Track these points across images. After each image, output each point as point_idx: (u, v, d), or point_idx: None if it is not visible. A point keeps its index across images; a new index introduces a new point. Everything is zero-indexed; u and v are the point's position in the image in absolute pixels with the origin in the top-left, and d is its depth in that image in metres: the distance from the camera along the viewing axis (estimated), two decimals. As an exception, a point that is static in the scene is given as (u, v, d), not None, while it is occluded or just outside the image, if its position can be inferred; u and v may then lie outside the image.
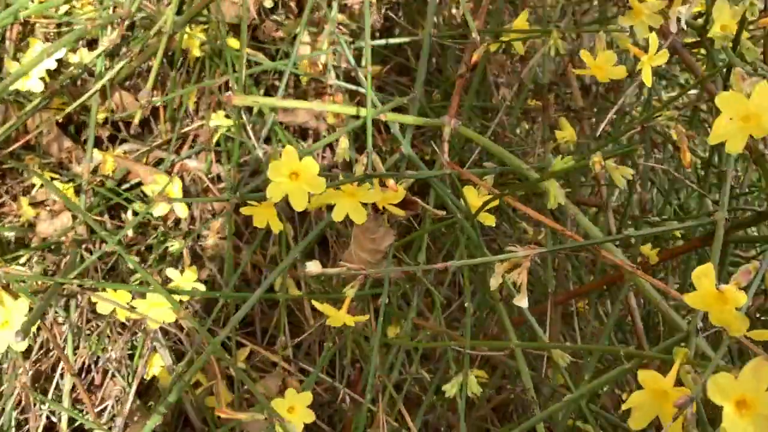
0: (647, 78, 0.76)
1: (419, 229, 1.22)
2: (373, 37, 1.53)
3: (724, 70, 0.76)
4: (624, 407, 0.50)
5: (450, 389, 0.88)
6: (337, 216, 0.79)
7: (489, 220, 0.92)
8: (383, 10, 1.69)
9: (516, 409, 1.40)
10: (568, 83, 1.17)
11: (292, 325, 1.39)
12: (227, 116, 1.32)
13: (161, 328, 1.24)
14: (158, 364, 1.26)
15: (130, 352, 1.34)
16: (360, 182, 0.79)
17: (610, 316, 1.00)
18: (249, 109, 1.21)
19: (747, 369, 0.43)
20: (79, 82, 1.33)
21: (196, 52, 1.33)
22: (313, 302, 0.78)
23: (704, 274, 0.48)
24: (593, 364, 1.01)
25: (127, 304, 1.00)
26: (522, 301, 0.71)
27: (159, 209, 1.06)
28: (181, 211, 1.11)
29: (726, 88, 0.76)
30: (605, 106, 1.19)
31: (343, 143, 0.81)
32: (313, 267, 0.66)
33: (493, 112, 1.32)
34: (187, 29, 1.31)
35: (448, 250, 1.24)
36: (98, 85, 1.18)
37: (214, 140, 1.32)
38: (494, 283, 0.73)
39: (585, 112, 1.16)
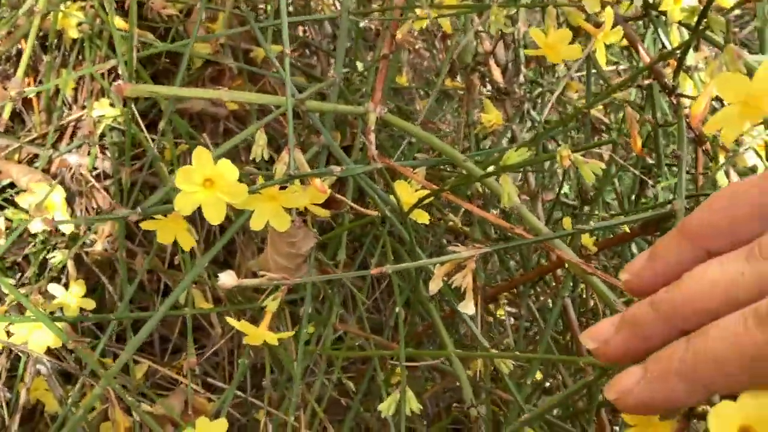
0: (602, 58, 0.69)
1: (336, 226, 1.12)
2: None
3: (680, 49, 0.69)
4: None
5: (386, 408, 0.78)
6: (255, 224, 0.68)
7: (422, 218, 0.83)
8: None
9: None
10: (491, 63, 1.09)
11: (196, 330, 1.27)
12: (112, 105, 1.17)
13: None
14: (42, 387, 1.11)
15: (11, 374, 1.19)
16: (282, 185, 0.68)
17: (551, 316, 0.93)
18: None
19: (746, 395, 0.34)
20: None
21: (73, 33, 1.17)
22: (228, 320, 0.66)
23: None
24: (536, 368, 0.94)
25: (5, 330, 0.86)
26: (468, 307, 0.62)
27: (36, 225, 0.92)
28: (66, 228, 0.96)
29: (680, 68, 0.69)
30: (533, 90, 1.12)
31: (261, 139, 0.69)
32: (227, 279, 0.54)
33: (408, 95, 1.23)
34: (62, 7, 1.14)
35: (368, 247, 1.14)
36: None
37: (98, 132, 1.17)
38: (434, 287, 0.63)
39: (509, 94, 1.09)
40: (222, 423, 0.84)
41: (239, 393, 1.04)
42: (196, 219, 1.23)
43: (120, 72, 0.92)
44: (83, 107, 1.21)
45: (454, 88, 1.19)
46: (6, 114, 1.00)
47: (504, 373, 0.84)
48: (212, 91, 0.72)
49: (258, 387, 1.25)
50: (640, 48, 0.77)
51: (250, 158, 0.70)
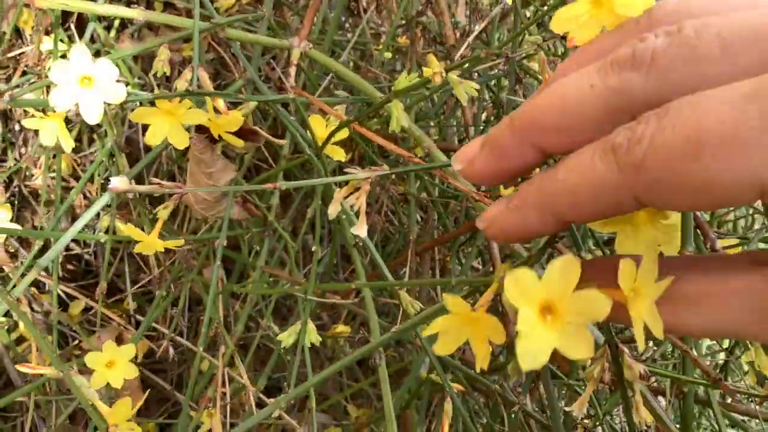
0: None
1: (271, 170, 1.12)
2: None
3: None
4: (425, 333, 0.42)
5: (286, 338, 0.79)
6: (151, 139, 0.68)
7: (338, 155, 0.83)
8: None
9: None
10: (440, 17, 1.09)
11: (138, 271, 1.28)
12: (62, 40, 1.17)
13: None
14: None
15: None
16: (181, 100, 0.68)
17: (469, 256, 0.93)
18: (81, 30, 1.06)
19: (554, 267, 0.34)
20: None
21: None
22: (120, 225, 0.65)
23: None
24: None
25: None
26: (361, 230, 0.62)
27: None
28: None
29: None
30: (477, 46, 1.11)
31: (163, 53, 0.69)
32: (119, 183, 0.54)
33: (362, 44, 1.22)
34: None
35: (307, 193, 1.15)
36: None
37: (47, 67, 1.17)
38: (332, 210, 0.63)
39: (454, 48, 1.08)
40: (129, 348, 0.85)
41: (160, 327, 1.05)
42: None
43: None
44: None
45: (404, 45, 1.18)
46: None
47: (409, 312, 0.83)
48: (123, 8, 0.72)
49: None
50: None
51: (151, 73, 0.69)
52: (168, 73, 0.70)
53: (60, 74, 0.56)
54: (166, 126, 0.68)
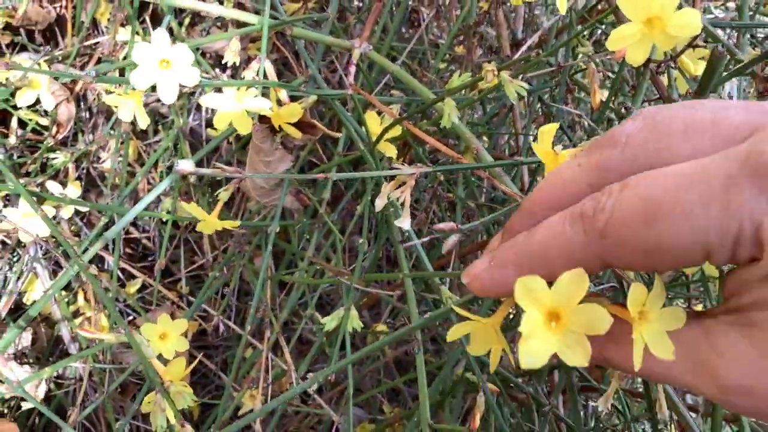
0: (562, 4, 0.71)
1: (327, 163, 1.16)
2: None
3: None
4: (450, 338, 0.46)
5: (329, 322, 0.83)
6: (218, 123, 0.73)
7: (390, 151, 0.87)
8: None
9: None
10: (497, 29, 1.12)
11: (192, 254, 1.33)
12: (137, 33, 1.24)
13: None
14: (39, 289, 1.18)
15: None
16: (247, 88, 0.73)
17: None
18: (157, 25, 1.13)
19: (564, 278, 0.37)
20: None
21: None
22: (183, 205, 0.70)
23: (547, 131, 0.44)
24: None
25: (-3, 211, 0.93)
26: (404, 222, 0.66)
27: (23, 99, 0.97)
28: (48, 101, 1.02)
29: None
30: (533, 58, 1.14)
31: (234, 44, 0.74)
32: (186, 165, 0.59)
33: (420, 53, 1.26)
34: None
35: (358, 190, 1.19)
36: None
37: (121, 56, 1.24)
38: (379, 203, 0.68)
39: (509, 59, 1.11)
40: (181, 323, 0.90)
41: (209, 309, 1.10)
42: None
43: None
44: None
45: (461, 54, 1.22)
46: (21, 10, 1.07)
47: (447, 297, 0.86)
48: (200, 3, 0.77)
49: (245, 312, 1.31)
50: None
51: (223, 62, 0.74)
52: (238, 63, 0.75)
53: (141, 56, 0.61)
54: (231, 112, 0.73)
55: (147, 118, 0.69)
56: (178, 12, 1.40)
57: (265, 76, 0.74)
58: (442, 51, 1.17)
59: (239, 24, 0.91)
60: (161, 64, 0.63)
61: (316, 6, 1.40)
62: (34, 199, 0.91)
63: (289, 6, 1.39)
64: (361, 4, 1.23)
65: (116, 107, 0.69)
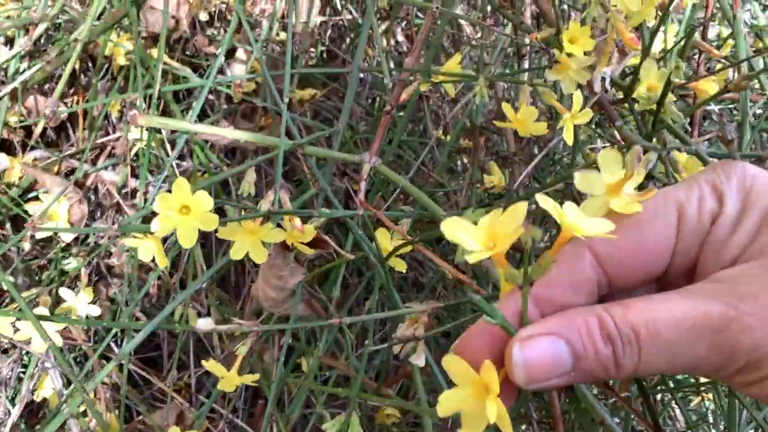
0: (569, 136, 0.73)
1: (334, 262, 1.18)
2: (312, 63, 1.50)
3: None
4: (442, 412, 0.40)
5: (331, 428, 0.83)
6: (236, 254, 0.74)
7: (399, 266, 0.88)
8: (328, 33, 1.66)
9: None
10: (502, 128, 1.15)
11: (202, 351, 1.34)
12: (147, 130, 1.26)
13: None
14: (50, 387, 1.19)
15: (22, 370, 1.27)
16: (263, 220, 0.74)
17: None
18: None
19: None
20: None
21: (121, 61, 1.28)
22: (203, 363, 0.72)
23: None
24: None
25: (11, 325, 0.94)
26: (419, 360, 0.67)
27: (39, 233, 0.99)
28: (67, 236, 1.04)
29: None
30: (537, 155, 1.17)
31: (250, 175, 0.76)
32: (205, 324, 0.61)
33: (423, 148, 1.29)
34: (113, 37, 1.25)
35: (367, 287, 1.20)
36: (8, 88, 1.11)
37: (132, 153, 1.26)
38: (419, 361, 0.70)
39: (515, 158, 1.14)
40: (195, 434, 0.91)
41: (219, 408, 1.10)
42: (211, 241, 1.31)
43: (137, 103, 1.00)
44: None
45: (467, 147, 1.24)
46: (38, 128, 1.09)
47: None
48: (215, 128, 0.79)
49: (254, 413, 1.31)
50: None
51: (239, 192, 0.76)
52: (253, 194, 0.77)
53: (162, 204, 0.63)
54: (248, 243, 0.74)
55: (166, 260, 0.70)
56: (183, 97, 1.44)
57: (280, 205, 0.76)
58: (447, 147, 1.19)
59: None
60: (181, 210, 0.64)
61: (323, 97, 1.43)
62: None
63: (296, 95, 1.42)
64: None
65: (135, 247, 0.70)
